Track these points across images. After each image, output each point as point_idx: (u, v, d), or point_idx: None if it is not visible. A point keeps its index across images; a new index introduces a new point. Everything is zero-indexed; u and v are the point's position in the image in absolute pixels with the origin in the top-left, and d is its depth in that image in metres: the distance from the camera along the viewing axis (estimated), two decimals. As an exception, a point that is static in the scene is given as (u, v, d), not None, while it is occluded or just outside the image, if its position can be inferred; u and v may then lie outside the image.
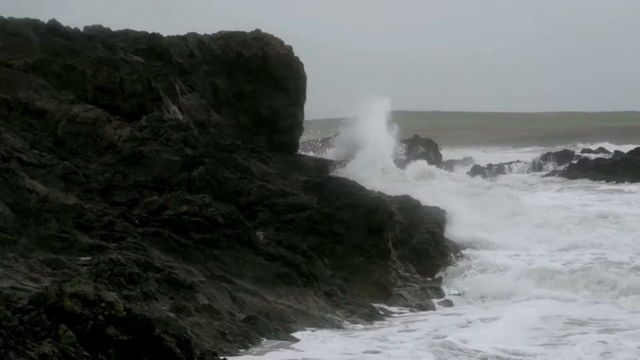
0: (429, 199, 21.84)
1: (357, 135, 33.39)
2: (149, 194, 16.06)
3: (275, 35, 30.14)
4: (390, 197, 19.71)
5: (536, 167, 44.41)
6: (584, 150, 52.71)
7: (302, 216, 16.33)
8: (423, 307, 14.83)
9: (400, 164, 34.83)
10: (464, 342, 11.14)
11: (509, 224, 21.64)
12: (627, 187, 34.00)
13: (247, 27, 30.24)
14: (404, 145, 38.76)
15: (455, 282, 16.60)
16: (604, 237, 19.65)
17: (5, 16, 24.32)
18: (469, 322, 12.98)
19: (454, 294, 15.89)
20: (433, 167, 39.62)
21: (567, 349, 11.12)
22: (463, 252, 18.64)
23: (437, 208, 20.56)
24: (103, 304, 7.15)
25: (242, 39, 29.48)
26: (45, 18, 25.12)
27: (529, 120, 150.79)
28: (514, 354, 10.76)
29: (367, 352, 10.59)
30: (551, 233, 20.51)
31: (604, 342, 11.32)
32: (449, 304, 15.32)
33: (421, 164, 38.54)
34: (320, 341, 11.24)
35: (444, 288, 16.34)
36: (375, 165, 30.51)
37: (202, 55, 28.44)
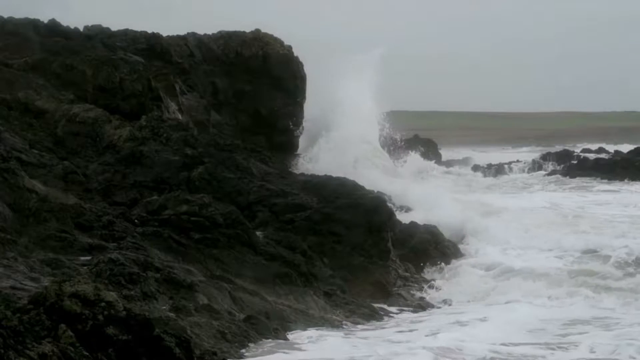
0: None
1: (326, 109, 25.63)
2: (148, 193, 16.06)
3: (275, 35, 30.18)
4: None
5: (536, 167, 44.44)
6: (583, 150, 52.72)
7: (302, 216, 16.33)
8: (423, 307, 14.83)
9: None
10: (464, 342, 11.14)
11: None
12: (625, 187, 33.98)
13: (247, 27, 30.29)
14: (401, 139, 31.71)
15: (445, 285, 16.36)
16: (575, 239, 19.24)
17: (5, 16, 24.31)
18: (469, 322, 12.96)
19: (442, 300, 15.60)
20: (428, 163, 39.08)
21: (573, 348, 11.08)
22: (461, 249, 18.68)
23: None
24: (103, 304, 7.16)
25: (242, 39, 29.51)
26: (45, 18, 25.09)
27: (529, 120, 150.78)
28: (520, 355, 10.72)
29: (367, 352, 10.58)
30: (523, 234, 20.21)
31: (610, 341, 11.31)
32: (448, 303, 15.31)
33: (415, 158, 36.08)
34: (320, 341, 11.23)
35: (431, 291, 16.12)
36: (343, 155, 24.06)
37: (201, 55, 28.46)
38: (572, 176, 38.59)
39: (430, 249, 18.05)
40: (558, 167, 42.50)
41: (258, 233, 15.11)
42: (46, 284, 8.76)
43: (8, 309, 7.06)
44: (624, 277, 15.96)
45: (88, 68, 20.16)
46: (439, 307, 14.96)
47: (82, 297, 7.14)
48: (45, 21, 24.91)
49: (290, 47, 29.97)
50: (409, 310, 14.55)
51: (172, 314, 10.14)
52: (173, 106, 22.00)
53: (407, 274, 16.77)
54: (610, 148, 53.44)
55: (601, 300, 14.51)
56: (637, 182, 35.15)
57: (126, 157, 17.23)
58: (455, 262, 17.79)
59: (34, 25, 24.09)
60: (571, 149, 53.07)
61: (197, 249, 13.75)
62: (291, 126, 27.82)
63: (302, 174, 19.03)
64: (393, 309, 14.66)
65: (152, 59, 24.69)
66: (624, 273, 16.18)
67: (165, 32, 28.13)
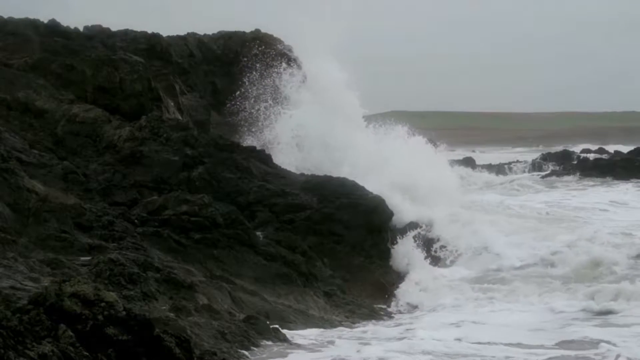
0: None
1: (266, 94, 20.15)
2: (148, 194, 16.07)
3: (275, 35, 30.15)
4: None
5: (536, 167, 44.45)
6: (583, 151, 52.75)
7: (302, 216, 16.34)
8: (422, 307, 14.82)
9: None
10: (465, 342, 11.14)
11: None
12: (624, 187, 33.93)
13: (247, 27, 30.27)
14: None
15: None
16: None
17: (5, 16, 24.29)
18: (469, 323, 12.96)
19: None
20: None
21: (578, 349, 11.08)
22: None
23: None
24: (103, 304, 7.16)
25: (242, 39, 29.47)
26: (45, 18, 25.09)
27: (529, 120, 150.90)
28: (522, 354, 10.71)
29: (367, 352, 10.58)
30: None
31: (612, 339, 11.32)
32: (447, 304, 15.28)
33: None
34: (319, 341, 11.24)
35: (430, 291, 15.96)
36: (284, 147, 21.21)
37: (202, 55, 28.43)
38: (572, 177, 38.59)
39: (430, 249, 18.06)
40: (558, 168, 42.49)
41: (258, 233, 15.13)
42: (46, 284, 8.76)
43: (8, 309, 7.06)
44: (617, 277, 15.94)
45: (88, 68, 20.12)
46: (438, 308, 14.94)
47: (82, 297, 7.14)
48: (45, 21, 24.91)
49: (290, 47, 29.95)
50: (408, 311, 14.55)
51: (172, 314, 10.14)
52: (173, 106, 21.98)
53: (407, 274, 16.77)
54: (610, 148, 53.45)
55: (596, 300, 14.49)
56: (637, 183, 35.12)
57: (126, 157, 17.23)
58: (453, 262, 17.80)
59: (34, 25, 24.05)
60: (571, 149, 53.11)
61: (197, 249, 13.77)
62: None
63: (302, 174, 18.99)
64: (393, 308, 14.68)
65: (152, 59, 24.65)
66: (616, 273, 16.17)
67: (165, 32, 28.18)
